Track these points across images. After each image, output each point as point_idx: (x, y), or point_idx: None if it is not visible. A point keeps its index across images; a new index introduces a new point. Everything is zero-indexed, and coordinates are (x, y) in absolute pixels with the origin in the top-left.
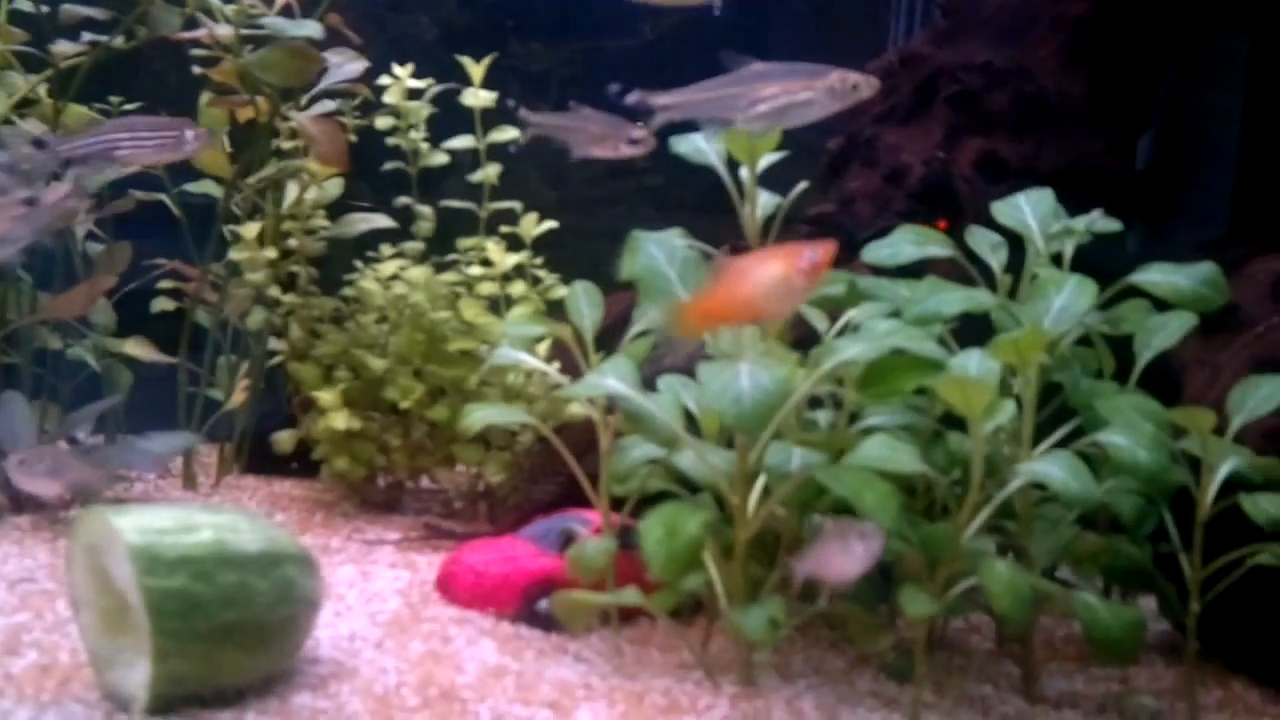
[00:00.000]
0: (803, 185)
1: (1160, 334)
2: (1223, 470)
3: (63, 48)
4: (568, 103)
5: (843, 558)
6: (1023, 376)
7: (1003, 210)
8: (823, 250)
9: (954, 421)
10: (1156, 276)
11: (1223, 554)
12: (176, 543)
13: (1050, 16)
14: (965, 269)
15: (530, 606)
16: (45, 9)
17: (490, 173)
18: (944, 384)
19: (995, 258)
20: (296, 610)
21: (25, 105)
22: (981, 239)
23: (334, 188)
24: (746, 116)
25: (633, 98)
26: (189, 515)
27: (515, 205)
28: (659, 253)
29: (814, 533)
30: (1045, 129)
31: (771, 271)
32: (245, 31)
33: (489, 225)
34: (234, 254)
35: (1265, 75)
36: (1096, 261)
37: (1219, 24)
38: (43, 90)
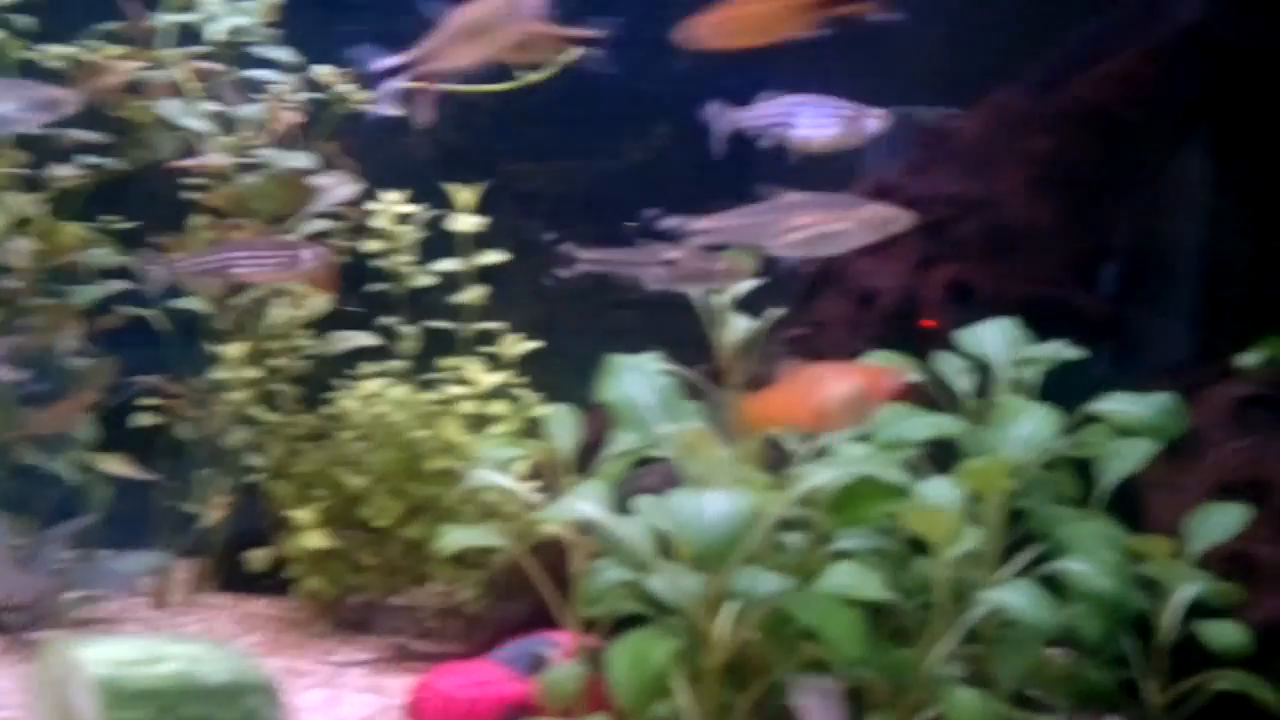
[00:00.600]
0: (777, 311)
1: (1123, 459)
2: (1182, 596)
3: (62, 170)
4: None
5: None
6: (987, 503)
7: (968, 339)
8: (897, 378)
9: (923, 545)
10: (1117, 405)
11: (1188, 677)
12: (141, 675)
13: (1017, 150)
14: (932, 394)
15: None
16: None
17: (475, 294)
18: (911, 512)
19: (962, 382)
20: None
21: (22, 224)
22: (950, 364)
23: (320, 305)
24: (780, 244)
25: (670, 223)
26: (155, 646)
27: (499, 325)
28: (634, 379)
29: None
30: (1012, 257)
31: (847, 387)
32: (240, 160)
33: (472, 345)
34: (217, 373)
35: (1227, 202)
36: (1064, 387)
37: (1181, 153)
38: (35, 208)
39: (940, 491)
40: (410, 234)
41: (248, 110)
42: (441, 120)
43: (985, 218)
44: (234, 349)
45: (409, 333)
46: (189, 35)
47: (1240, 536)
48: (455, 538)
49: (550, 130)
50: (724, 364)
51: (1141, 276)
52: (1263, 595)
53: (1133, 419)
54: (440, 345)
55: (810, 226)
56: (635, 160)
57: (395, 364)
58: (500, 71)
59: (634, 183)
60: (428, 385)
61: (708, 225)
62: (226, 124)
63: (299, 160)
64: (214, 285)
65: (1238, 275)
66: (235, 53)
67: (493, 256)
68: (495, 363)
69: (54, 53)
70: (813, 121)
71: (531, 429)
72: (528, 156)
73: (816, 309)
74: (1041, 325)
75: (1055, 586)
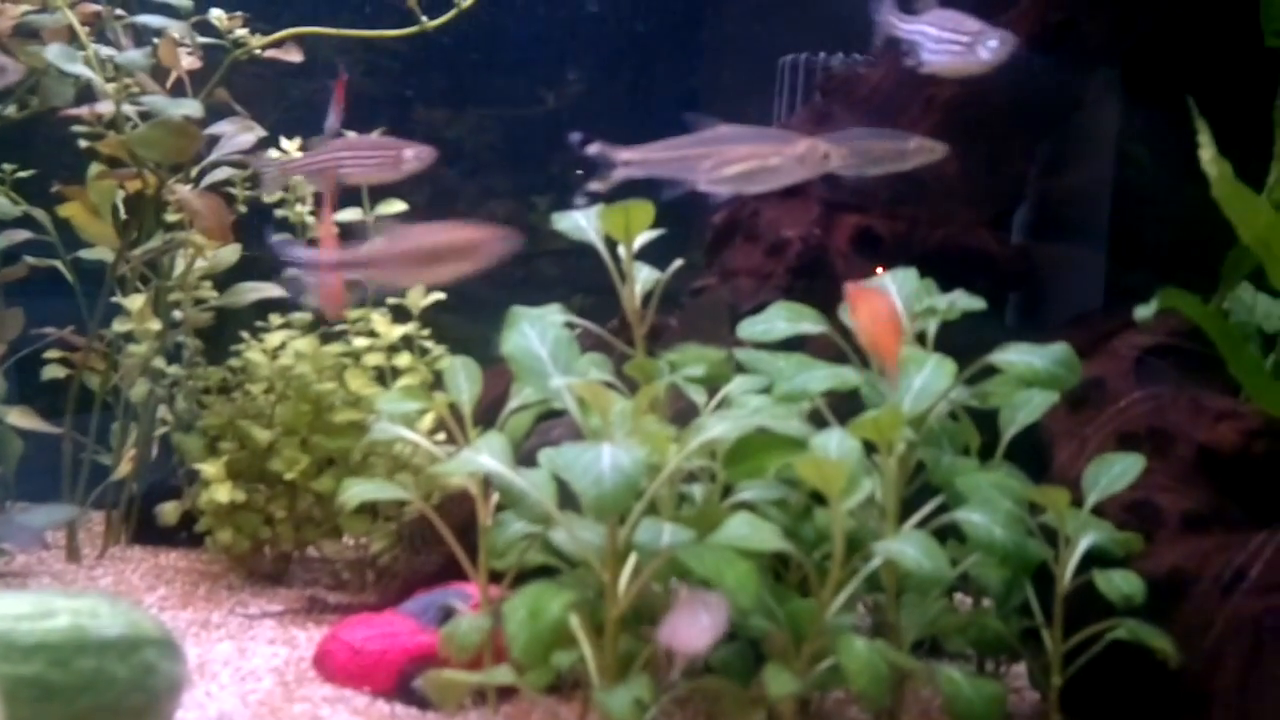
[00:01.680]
0: (679, 262)
1: (1024, 409)
2: (1081, 545)
3: None
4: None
5: (690, 630)
6: (885, 454)
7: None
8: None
9: (824, 497)
10: (1014, 356)
11: (1089, 625)
12: (32, 629)
13: (922, 99)
14: (839, 345)
15: (407, 685)
16: None
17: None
18: (802, 463)
19: None
20: (155, 696)
21: None
22: None
23: (228, 256)
24: (711, 178)
25: (594, 149)
26: (47, 600)
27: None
28: (532, 331)
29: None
30: (918, 206)
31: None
32: (131, 108)
33: (377, 297)
34: (119, 325)
35: (1137, 146)
36: (972, 337)
37: (1091, 97)
38: None
39: (837, 443)
40: (305, 185)
41: (131, 55)
42: (351, 65)
43: None
44: (137, 300)
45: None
46: None
47: (1139, 486)
48: (357, 491)
49: (464, 75)
50: (628, 314)
51: (1051, 223)
52: (1162, 544)
53: (1029, 370)
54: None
55: (745, 160)
56: (548, 107)
57: (300, 316)
58: (407, 16)
59: (541, 129)
60: (333, 338)
61: (635, 155)
62: (117, 70)
63: (186, 107)
64: (324, 184)
65: (1148, 221)
66: None
67: (396, 205)
68: (402, 315)
69: None
70: (937, 48)
71: (439, 382)
72: (442, 103)
73: (726, 259)
74: (950, 273)
75: (960, 536)
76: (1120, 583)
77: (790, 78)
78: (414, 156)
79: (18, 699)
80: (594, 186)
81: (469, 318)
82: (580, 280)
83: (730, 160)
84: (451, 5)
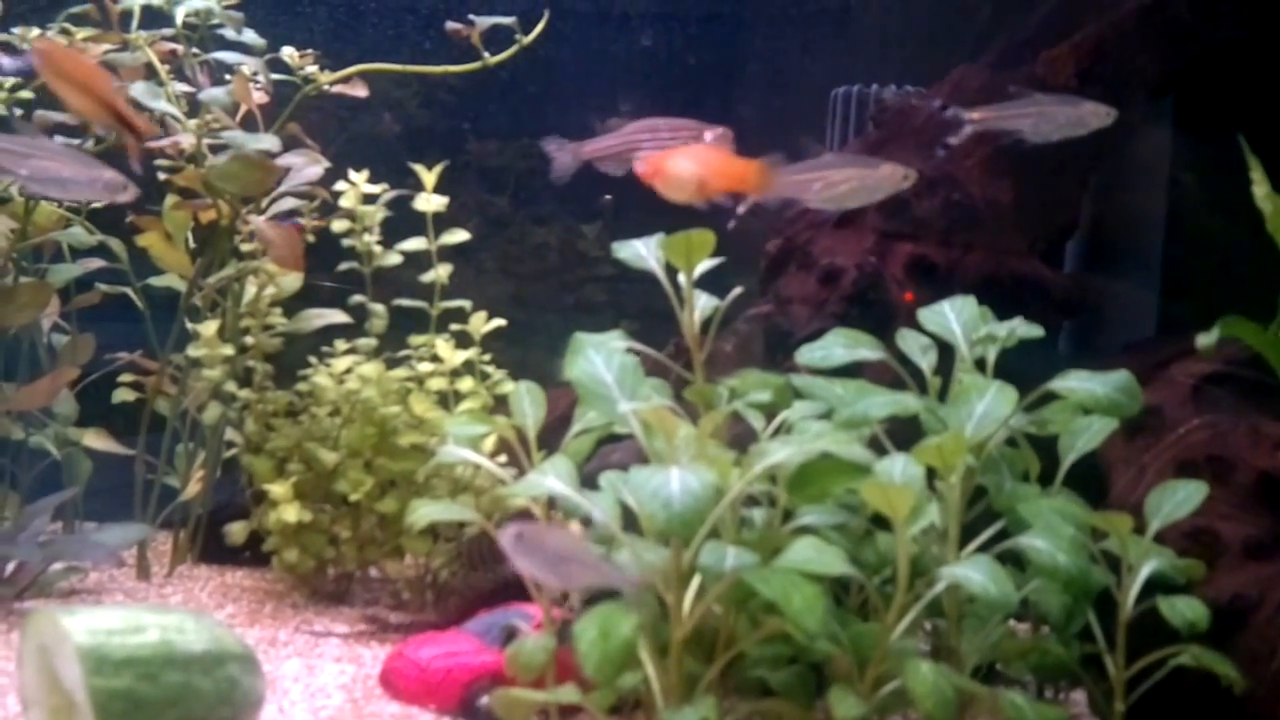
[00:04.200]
0: (739, 290)
1: (1083, 436)
2: (1143, 572)
3: None
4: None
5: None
6: (947, 480)
7: (929, 317)
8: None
9: (885, 521)
10: (1074, 384)
11: (1150, 652)
12: (124, 643)
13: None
14: (897, 371)
15: (472, 703)
16: (20, 112)
17: (441, 273)
18: (868, 488)
19: (925, 360)
20: (238, 710)
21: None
22: (912, 342)
23: (292, 283)
24: (821, 197)
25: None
26: (137, 615)
27: (465, 304)
28: (598, 357)
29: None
30: (973, 234)
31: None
32: (208, 141)
33: (440, 322)
34: (192, 350)
35: (1189, 177)
36: (1027, 364)
37: (1143, 129)
38: (14, 190)
39: (900, 468)
40: (375, 213)
41: (214, 92)
42: (407, 99)
43: (945, 195)
44: (209, 326)
45: (378, 310)
46: (155, 18)
47: (1200, 513)
48: (425, 512)
49: (515, 107)
50: (688, 341)
51: (1104, 252)
52: (1223, 571)
53: (1090, 397)
54: (409, 323)
55: (848, 181)
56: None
57: (365, 342)
58: (466, 51)
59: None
60: (398, 362)
61: None
62: (194, 106)
63: (265, 142)
64: (619, 168)
65: (1200, 251)
66: (201, 35)
67: (459, 235)
68: (464, 340)
69: (25, 35)
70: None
71: (500, 405)
72: (493, 134)
73: (781, 286)
74: (1004, 302)
75: (1018, 562)
76: (1184, 609)
77: (843, 108)
78: (714, 137)
79: (108, 712)
80: (740, 209)
81: (520, 343)
82: (627, 306)
83: (836, 181)
84: (509, 39)
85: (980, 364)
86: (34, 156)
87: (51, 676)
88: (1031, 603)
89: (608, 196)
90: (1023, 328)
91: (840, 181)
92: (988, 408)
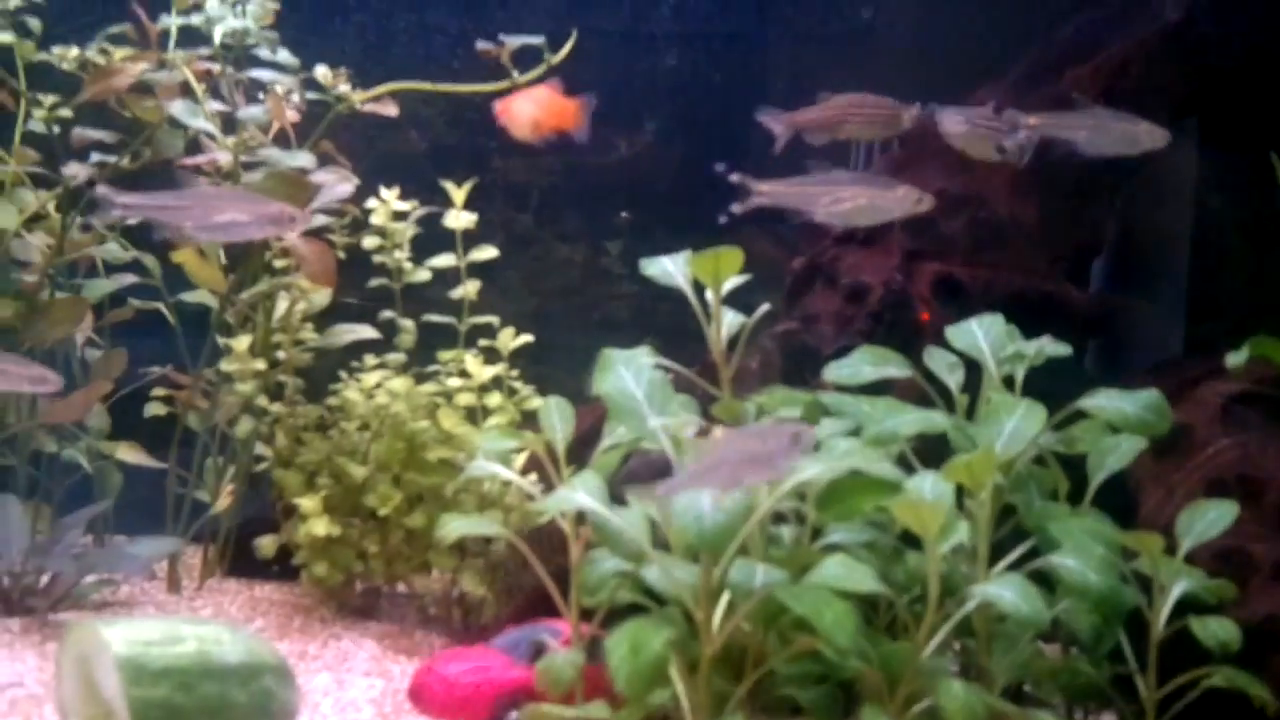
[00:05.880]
0: (765, 307)
1: (1113, 455)
2: (1174, 592)
3: (73, 169)
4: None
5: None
6: (976, 498)
7: (957, 335)
8: None
9: (913, 539)
10: (1104, 402)
11: (1182, 672)
12: (162, 654)
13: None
14: (924, 388)
15: (501, 718)
16: (57, 130)
17: (470, 289)
18: (899, 506)
19: (953, 378)
20: None
21: (34, 220)
22: (939, 359)
23: (321, 299)
24: (828, 211)
25: (735, 178)
26: (174, 626)
27: (494, 320)
28: (627, 373)
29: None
30: (999, 253)
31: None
32: (243, 158)
33: (468, 338)
34: (225, 365)
35: (1215, 196)
36: (1053, 383)
37: (1168, 148)
38: (51, 206)
39: (931, 486)
40: (406, 230)
41: (252, 111)
42: (434, 117)
43: (971, 214)
44: (242, 341)
45: (407, 326)
46: (192, 37)
47: (1231, 533)
48: (456, 526)
49: None
50: (715, 357)
51: (1131, 272)
52: (1254, 592)
53: (1119, 415)
54: (434, 338)
55: (856, 199)
56: (621, 155)
57: (394, 357)
58: (495, 69)
59: (619, 176)
60: (426, 377)
61: (768, 188)
62: (230, 123)
63: (300, 159)
64: (825, 136)
65: (1226, 270)
66: (237, 54)
67: (488, 252)
68: (491, 355)
69: (64, 54)
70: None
71: (527, 421)
72: (517, 152)
73: (806, 304)
74: (1029, 320)
75: (1047, 581)
76: (1217, 630)
77: None
78: (909, 118)
79: None
80: (734, 208)
81: (543, 360)
82: (650, 324)
83: (843, 198)
84: (536, 58)
85: (1008, 382)
86: (195, 207)
87: (90, 686)
88: (1061, 623)
89: (624, 214)
90: (1051, 346)
91: (848, 199)
92: (1017, 426)
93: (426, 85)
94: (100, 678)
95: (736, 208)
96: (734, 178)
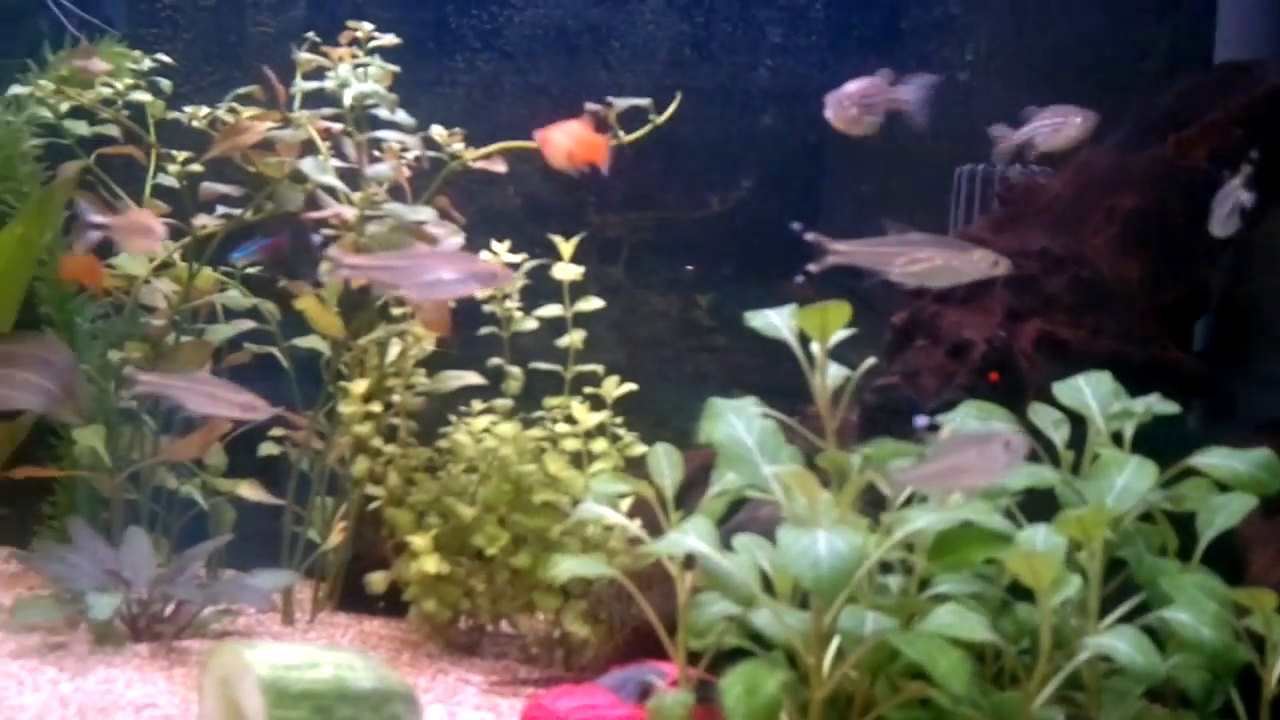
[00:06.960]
0: (871, 360)
1: (1222, 513)
2: None
3: (201, 219)
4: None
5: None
6: (1087, 551)
7: (1064, 391)
8: None
9: (1020, 592)
10: (1216, 460)
11: None
12: (301, 678)
13: (1104, 208)
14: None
15: None
16: (185, 184)
17: (575, 338)
18: (1013, 557)
19: (1058, 434)
20: None
21: (164, 268)
22: (1045, 415)
23: (428, 344)
24: (903, 272)
25: (810, 237)
26: (312, 652)
27: (598, 368)
28: (738, 421)
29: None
30: (1102, 312)
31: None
32: (366, 212)
33: (573, 385)
34: (343, 408)
35: None
36: (1158, 441)
37: (1271, 210)
38: (177, 255)
39: (1043, 538)
40: (516, 281)
41: (380, 168)
42: (530, 173)
43: (1074, 273)
44: (358, 385)
45: (514, 373)
46: (311, 98)
47: None
48: (566, 566)
49: (630, 182)
50: (820, 409)
51: (1235, 332)
52: None
53: (1230, 473)
54: (534, 385)
55: (931, 260)
56: (711, 211)
57: (501, 402)
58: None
59: (708, 232)
60: (532, 423)
61: (843, 247)
62: (351, 179)
63: (422, 214)
64: (1031, 150)
65: None
66: (357, 115)
67: (594, 302)
68: (596, 403)
69: (195, 113)
70: None
71: (629, 467)
72: (609, 208)
73: (908, 359)
74: (1132, 380)
75: (1155, 637)
76: None
77: (967, 186)
78: (1082, 123)
79: None
80: (810, 268)
81: (632, 411)
82: (738, 375)
83: (919, 259)
84: (641, 119)
85: (1116, 438)
86: (415, 270)
87: (232, 707)
88: (1170, 679)
89: (689, 266)
90: (1159, 404)
91: (924, 259)
92: (1128, 481)
93: (533, 144)
94: (242, 699)
95: (813, 267)
96: (809, 237)
